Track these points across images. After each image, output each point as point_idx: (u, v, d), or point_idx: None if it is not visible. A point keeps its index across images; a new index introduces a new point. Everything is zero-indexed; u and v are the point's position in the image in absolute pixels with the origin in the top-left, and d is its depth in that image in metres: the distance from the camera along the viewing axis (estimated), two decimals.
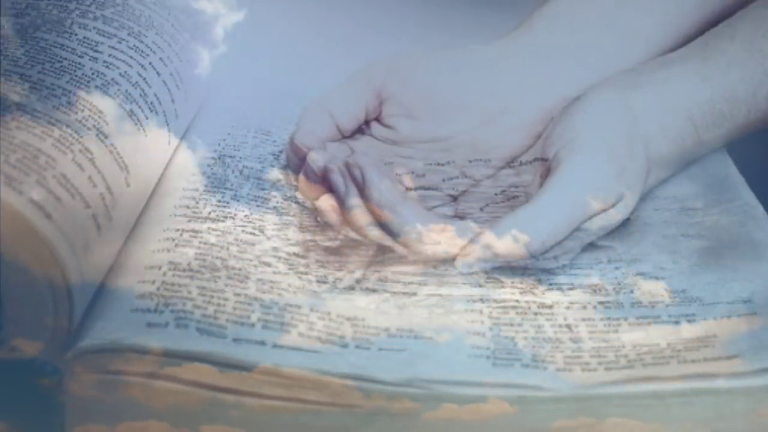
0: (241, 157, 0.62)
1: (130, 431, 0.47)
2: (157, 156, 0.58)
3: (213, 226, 0.55)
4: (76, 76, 0.55)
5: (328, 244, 0.55)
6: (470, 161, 0.60)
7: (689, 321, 0.50)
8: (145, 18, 0.62)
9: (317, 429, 0.46)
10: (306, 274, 0.53)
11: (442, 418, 0.46)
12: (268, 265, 0.53)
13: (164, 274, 0.51)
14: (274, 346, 0.47)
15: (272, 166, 0.61)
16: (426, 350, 0.48)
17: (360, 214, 0.54)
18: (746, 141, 0.61)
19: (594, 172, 0.54)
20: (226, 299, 0.50)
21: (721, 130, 0.59)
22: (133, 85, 0.57)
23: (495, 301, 0.52)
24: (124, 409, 0.46)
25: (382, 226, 0.54)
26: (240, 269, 0.52)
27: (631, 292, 0.52)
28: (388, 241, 0.54)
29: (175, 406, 0.46)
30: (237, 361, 0.46)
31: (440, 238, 0.54)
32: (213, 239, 0.54)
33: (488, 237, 0.53)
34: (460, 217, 0.57)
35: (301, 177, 0.58)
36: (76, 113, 0.52)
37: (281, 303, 0.50)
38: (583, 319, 0.51)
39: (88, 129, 0.52)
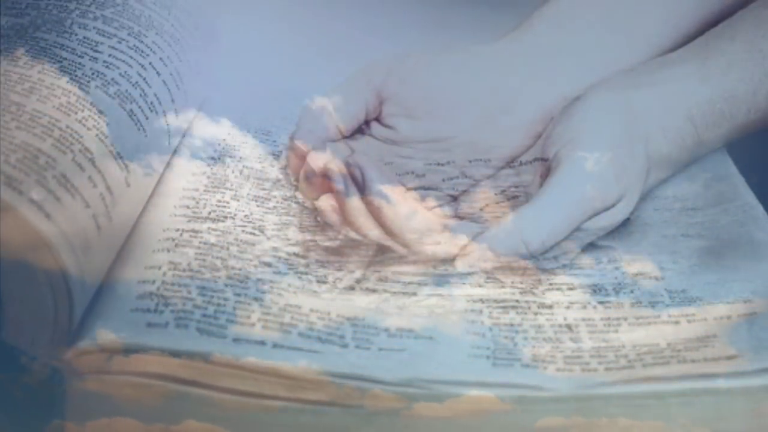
0: (241, 157, 0.62)
1: (129, 429, 0.47)
2: (156, 156, 0.58)
3: (213, 226, 0.55)
4: (76, 76, 0.55)
5: (328, 244, 0.55)
6: (470, 161, 0.60)
7: (689, 321, 0.50)
8: (145, 18, 0.62)
9: (317, 429, 0.46)
10: (306, 274, 0.53)
11: (441, 417, 0.46)
12: (268, 265, 0.53)
13: (164, 274, 0.51)
14: (274, 346, 0.47)
15: (272, 166, 0.61)
16: (426, 350, 0.48)
17: (360, 215, 0.54)
18: (746, 141, 0.61)
19: (594, 172, 0.54)
20: (226, 299, 0.50)
21: (721, 130, 0.59)
22: (133, 85, 0.57)
23: (495, 301, 0.52)
24: (123, 408, 0.46)
25: (382, 226, 0.54)
26: (240, 269, 0.52)
27: (631, 292, 0.52)
28: (388, 241, 0.54)
29: (175, 405, 0.46)
30: (237, 361, 0.46)
31: (440, 238, 0.54)
32: (213, 239, 0.54)
33: (488, 237, 0.53)
34: (460, 217, 0.57)
35: (301, 177, 0.58)
36: (76, 113, 0.52)
37: (281, 303, 0.50)
38: (583, 319, 0.51)
39: (88, 129, 0.52)
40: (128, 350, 0.46)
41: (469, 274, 0.53)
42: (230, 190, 0.58)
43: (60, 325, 0.47)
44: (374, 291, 0.52)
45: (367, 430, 0.46)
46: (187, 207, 0.56)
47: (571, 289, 0.53)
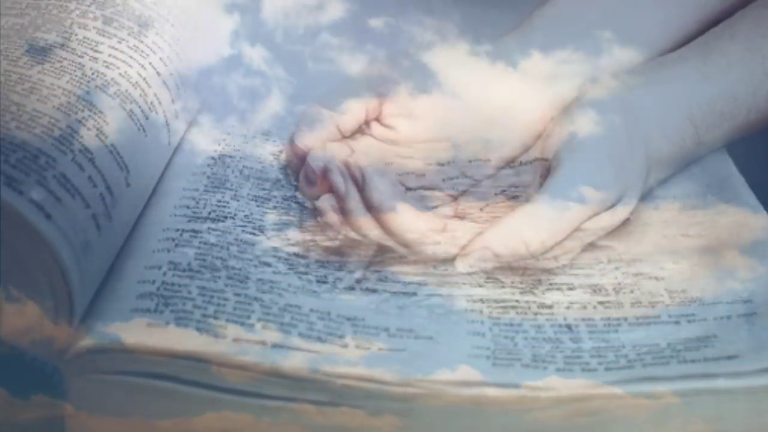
0: (241, 157, 0.62)
1: (130, 429, 0.47)
2: (157, 156, 0.58)
3: (213, 226, 0.55)
4: (76, 76, 0.55)
5: (328, 244, 0.55)
6: (470, 161, 0.60)
7: (689, 321, 0.50)
8: (145, 18, 0.62)
9: (317, 429, 0.46)
10: (306, 274, 0.53)
11: (441, 417, 0.46)
12: (268, 265, 0.53)
13: (164, 274, 0.51)
14: (274, 346, 0.47)
15: (272, 166, 0.61)
16: (426, 350, 0.48)
17: (360, 215, 0.54)
18: (746, 141, 0.61)
19: (594, 172, 0.54)
20: (226, 299, 0.50)
21: (721, 130, 0.59)
22: (133, 85, 0.57)
23: (495, 301, 0.52)
24: (123, 408, 0.47)
25: (382, 226, 0.54)
26: (240, 269, 0.52)
27: (631, 292, 0.52)
28: (388, 241, 0.54)
29: (175, 404, 0.46)
30: (237, 361, 0.46)
31: (440, 238, 0.54)
32: (213, 239, 0.54)
33: (488, 237, 0.53)
34: (460, 217, 0.57)
35: (301, 177, 0.58)
36: (76, 113, 0.52)
37: (281, 303, 0.50)
38: (583, 319, 0.51)
39: (88, 129, 0.52)
40: (128, 350, 0.46)
41: (469, 274, 0.53)
42: (230, 190, 0.58)
43: (60, 325, 0.47)
44: (374, 291, 0.52)
45: (368, 430, 0.46)
46: (187, 207, 0.56)
47: (571, 289, 0.53)
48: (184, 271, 0.51)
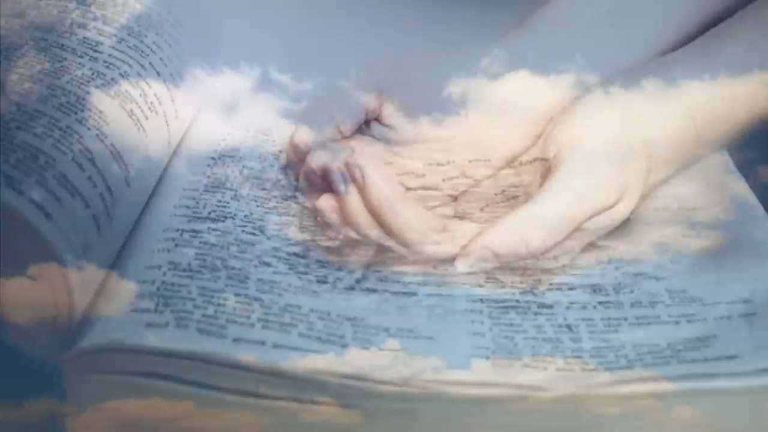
0: (241, 157, 0.62)
1: (129, 430, 0.47)
2: (157, 156, 0.58)
3: (213, 226, 0.55)
4: (76, 76, 0.55)
5: (328, 244, 0.55)
6: (470, 161, 0.60)
7: (689, 321, 0.50)
8: (145, 18, 0.62)
9: (317, 429, 0.46)
10: (306, 274, 0.53)
11: (441, 417, 0.46)
12: (268, 265, 0.53)
13: (164, 274, 0.51)
14: (274, 346, 0.47)
15: (272, 166, 0.61)
16: (426, 350, 0.48)
17: (360, 214, 0.54)
18: (746, 141, 0.61)
19: (594, 172, 0.54)
20: (226, 299, 0.50)
21: (721, 130, 0.59)
22: (133, 85, 0.57)
23: (495, 301, 0.52)
24: (123, 408, 0.46)
25: (382, 226, 0.54)
26: (240, 269, 0.52)
27: (631, 292, 0.52)
28: (388, 241, 0.54)
29: (175, 404, 0.46)
30: (237, 361, 0.46)
31: (440, 238, 0.54)
32: (213, 239, 0.54)
33: (488, 237, 0.53)
34: (460, 217, 0.57)
35: (301, 177, 0.58)
36: (76, 113, 0.52)
37: (281, 303, 0.50)
38: (583, 319, 0.51)
39: (88, 129, 0.52)
40: (128, 350, 0.46)
41: (469, 274, 0.53)
42: (230, 190, 0.58)
43: (60, 325, 0.47)
44: (374, 291, 0.52)
45: (368, 430, 0.46)
46: (187, 207, 0.56)
47: (571, 289, 0.53)
48: (184, 271, 0.51)
